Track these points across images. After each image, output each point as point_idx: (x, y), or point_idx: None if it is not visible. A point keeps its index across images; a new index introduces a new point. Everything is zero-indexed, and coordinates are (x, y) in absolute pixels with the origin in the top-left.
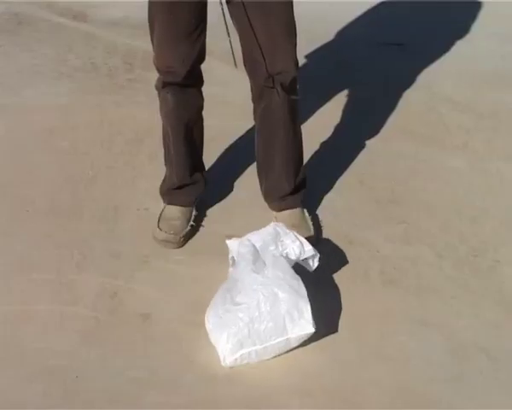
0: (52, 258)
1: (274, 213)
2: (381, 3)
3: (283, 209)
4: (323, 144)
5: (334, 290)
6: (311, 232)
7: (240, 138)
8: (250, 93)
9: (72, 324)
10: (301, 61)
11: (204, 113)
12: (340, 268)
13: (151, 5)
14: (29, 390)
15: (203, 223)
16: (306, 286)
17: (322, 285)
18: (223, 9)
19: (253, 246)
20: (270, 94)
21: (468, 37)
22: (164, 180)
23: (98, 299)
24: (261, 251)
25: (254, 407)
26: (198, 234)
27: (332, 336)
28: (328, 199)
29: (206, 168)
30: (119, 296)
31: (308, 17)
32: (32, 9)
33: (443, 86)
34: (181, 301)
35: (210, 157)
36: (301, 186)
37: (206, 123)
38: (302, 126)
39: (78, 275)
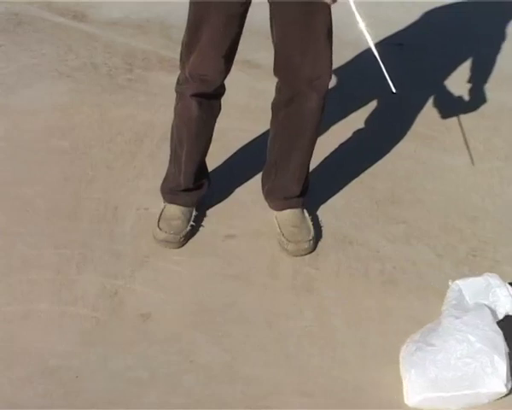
0: (52, 258)
1: (274, 212)
2: (381, 3)
3: (285, 209)
4: (323, 144)
5: (335, 290)
6: (311, 233)
7: (240, 138)
8: (250, 94)
9: (72, 324)
10: None
11: None
12: (340, 268)
13: (202, 5)
14: (29, 390)
15: (203, 223)
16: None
17: (322, 285)
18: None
19: (460, 291)
20: (303, 98)
21: (468, 37)
22: (166, 179)
23: (98, 299)
24: (468, 297)
25: (254, 407)
26: (198, 234)
27: (332, 336)
28: (328, 199)
29: (207, 167)
30: (119, 296)
31: None
32: (31, 9)
33: (443, 86)
34: (181, 301)
35: (210, 157)
36: (307, 189)
37: None
38: None
39: (78, 275)
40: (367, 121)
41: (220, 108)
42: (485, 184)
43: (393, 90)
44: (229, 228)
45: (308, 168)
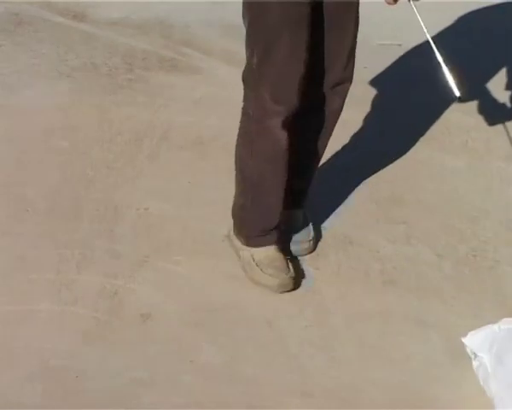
0: (52, 258)
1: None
2: (381, 3)
3: (285, 209)
4: None
5: (335, 290)
6: (311, 233)
7: None
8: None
9: (72, 324)
10: None
11: (204, 113)
12: (340, 268)
13: (275, 21)
14: (29, 390)
15: (203, 223)
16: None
17: (322, 285)
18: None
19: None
20: (325, 104)
21: (468, 36)
22: (246, 224)
23: (98, 299)
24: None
25: (254, 407)
26: (198, 234)
27: (332, 336)
28: (328, 199)
29: (207, 168)
30: (119, 296)
31: None
32: (32, 9)
33: (443, 86)
34: (181, 301)
35: (210, 157)
36: (307, 189)
37: (206, 123)
38: None
39: (78, 275)
40: (367, 121)
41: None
42: (485, 184)
43: (457, 95)
44: (229, 228)
45: (316, 168)
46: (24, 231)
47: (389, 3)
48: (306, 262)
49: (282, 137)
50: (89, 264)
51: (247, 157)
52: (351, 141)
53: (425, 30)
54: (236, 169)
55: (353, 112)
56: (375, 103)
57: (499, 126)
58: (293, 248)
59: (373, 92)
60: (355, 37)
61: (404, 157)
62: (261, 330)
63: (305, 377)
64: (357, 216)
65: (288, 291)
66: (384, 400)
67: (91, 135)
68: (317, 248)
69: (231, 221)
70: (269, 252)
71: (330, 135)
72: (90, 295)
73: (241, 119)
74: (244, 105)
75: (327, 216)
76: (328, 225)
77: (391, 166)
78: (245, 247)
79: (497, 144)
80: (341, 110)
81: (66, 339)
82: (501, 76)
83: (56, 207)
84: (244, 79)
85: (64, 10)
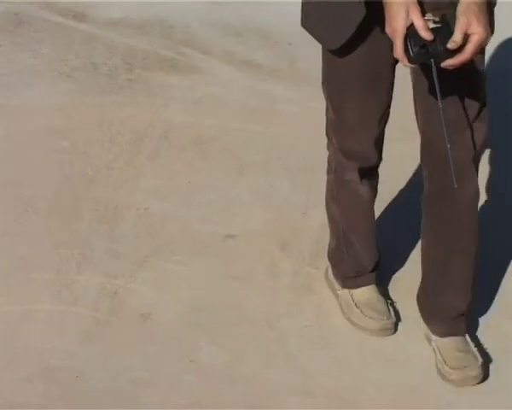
0: (52, 258)
1: (433, 336)
2: None
3: (447, 335)
4: (323, 144)
5: None
6: (479, 359)
7: (240, 138)
8: (250, 94)
9: (72, 324)
10: (301, 60)
11: (204, 113)
12: None
13: (343, 80)
14: (29, 390)
15: (203, 223)
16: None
17: (322, 285)
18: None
19: None
20: (467, 182)
21: None
22: (339, 263)
23: (98, 299)
24: None
25: (254, 407)
26: (198, 234)
27: (332, 335)
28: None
29: (207, 168)
30: (119, 296)
31: None
32: (32, 9)
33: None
34: (181, 301)
35: (210, 157)
36: (470, 306)
37: (206, 123)
38: (302, 128)
39: (78, 275)
40: None
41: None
42: (485, 183)
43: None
44: (229, 228)
45: (475, 276)
46: (24, 231)
47: (406, 66)
48: (306, 262)
49: (362, 190)
50: (89, 264)
51: (331, 202)
52: None
53: (439, 99)
54: (326, 210)
55: None
56: None
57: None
58: (459, 375)
59: None
60: (485, 91)
61: (403, 157)
62: (261, 330)
63: (305, 377)
64: None
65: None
66: (384, 400)
67: (91, 135)
68: (317, 248)
69: (231, 221)
70: (369, 293)
71: (474, 235)
72: (90, 295)
73: (327, 165)
74: (328, 153)
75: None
76: (327, 225)
77: (391, 166)
78: (343, 289)
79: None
80: (479, 196)
81: (66, 339)
82: None
83: (56, 207)
84: (325, 129)
85: (64, 10)
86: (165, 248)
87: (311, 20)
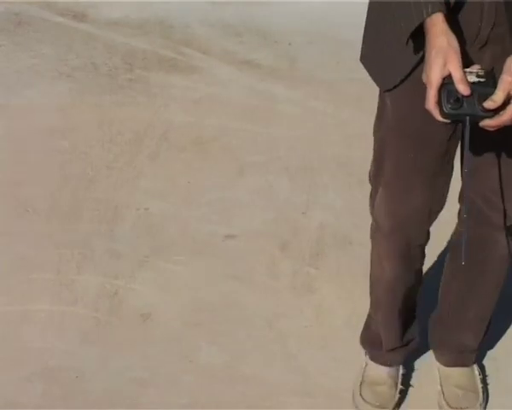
0: (52, 258)
1: (437, 363)
2: None
3: (453, 366)
4: (322, 144)
5: (334, 290)
6: (480, 398)
7: (240, 138)
8: (250, 94)
9: (72, 324)
10: (301, 60)
11: (204, 113)
12: (340, 268)
13: (383, 135)
14: (29, 390)
15: (203, 223)
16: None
17: (322, 285)
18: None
19: None
20: (493, 244)
21: None
22: (367, 327)
23: (98, 299)
24: None
25: (254, 406)
26: (198, 234)
27: (332, 335)
28: (328, 199)
29: (207, 168)
30: (119, 296)
31: (308, 17)
32: (32, 9)
33: None
34: (181, 301)
35: (210, 157)
36: (483, 343)
37: (206, 123)
38: (302, 128)
39: (78, 275)
40: (367, 122)
41: (424, 256)
42: None
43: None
44: (229, 228)
45: (490, 321)
46: (24, 231)
47: (439, 120)
48: (306, 262)
49: (387, 266)
50: (89, 264)
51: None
52: (351, 140)
53: (466, 162)
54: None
55: (353, 111)
56: (375, 104)
57: None
58: None
59: (373, 92)
60: None
61: None
62: (261, 330)
63: (305, 377)
64: (357, 216)
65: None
66: None
67: (91, 135)
68: (317, 248)
69: (231, 221)
70: (376, 370)
71: (497, 286)
72: (90, 295)
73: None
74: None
75: (327, 216)
76: (328, 225)
77: None
78: (364, 357)
79: None
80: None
81: (66, 339)
82: None
83: (56, 207)
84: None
85: (64, 10)
86: (165, 249)
87: (369, 57)
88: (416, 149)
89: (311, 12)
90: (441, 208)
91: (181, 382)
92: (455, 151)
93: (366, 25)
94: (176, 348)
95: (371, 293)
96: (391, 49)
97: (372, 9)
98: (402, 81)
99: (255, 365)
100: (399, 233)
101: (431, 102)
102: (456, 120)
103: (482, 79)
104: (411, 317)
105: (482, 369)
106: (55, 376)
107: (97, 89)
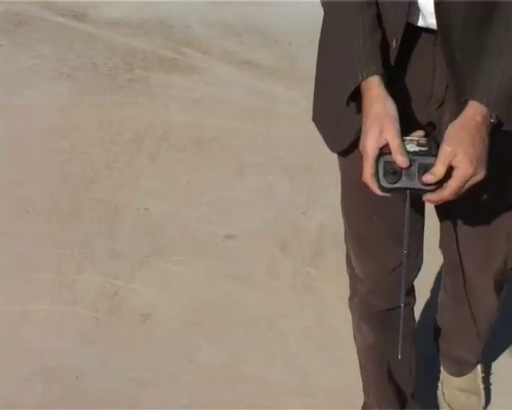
0: (52, 258)
1: (442, 367)
2: None
3: (457, 376)
4: (323, 144)
5: (335, 290)
6: (482, 401)
7: (240, 138)
8: (250, 94)
9: (72, 324)
10: (301, 60)
11: (204, 113)
12: (340, 268)
13: (344, 201)
14: (29, 390)
15: (203, 223)
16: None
17: (322, 285)
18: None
19: None
20: (484, 298)
21: None
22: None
23: (98, 299)
24: None
25: (254, 406)
26: (198, 234)
27: (332, 336)
28: (328, 199)
29: (207, 168)
30: (119, 296)
31: (308, 17)
32: (32, 9)
33: None
34: (181, 301)
35: (210, 157)
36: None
37: (206, 123)
38: (302, 128)
39: (78, 275)
40: None
41: (413, 320)
42: None
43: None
44: (229, 228)
45: (487, 337)
46: (24, 231)
47: (377, 194)
48: (306, 262)
49: (367, 333)
50: (89, 264)
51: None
52: None
53: (405, 240)
54: None
55: None
56: None
57: None
58: None
59: None
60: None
61: None
62: (261, 330)
63: (305, 377)
64: None
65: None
66: None
67: (91, 135)
68: (317, 248)
69: (231, 221)
70: None
71: (492, 309)
72: (90, 295)
73: None
74: None
75: (327, 216)
76: (328, 225)
77: None
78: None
79: None
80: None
81: (66, 339)
82: None
83: (56, 207)
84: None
85: (64, 10)
86: (165, 249)
87: (319, 118)
88: (377, 211)
89: (311, 12)
90: (419, 265)
91: (181, 382)
92: (421, 198)
93: (315, 82)
94: (176, 348)
95: (360, 369)
96: (338, 110)
97: (318, 67)
98: (352, 144)
99: (255, 365)
100: (375, 295)
101: (366, 175)
102: (397, 192)
103: (424, 148)
104: (408, 396)
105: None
106: (55, 376)
107: (97, 89)
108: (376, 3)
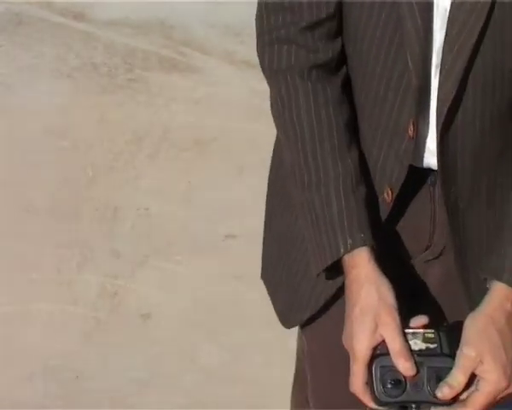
0: (52, 258)
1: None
2: None
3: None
4: None
5: None
6: None
7: (240, 138)
8: (250, 94)
9: (72, 324)
10: None
11: (204, 113)
12: None
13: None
14: (29, 390)
15: (203, 223)
16: None
17: None
18: None
19: None
20: None
21: None
22: None
23: (98, 299)
24: None
25: (254, 406)
26: (198, 234)
27: None
28: None
29: (207, 168)
30: (119, 296)
31: None
32: (32, 9)
33: None
34: (181, 301)
35: (210, 157)
36: None
37: (206, 123)
38: None
39: (78, 275)
40: None
41: None
42: None
43: None
44: (229, 228)
45: None
46: (24, 231)
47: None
48: None
49: None
50: (89, 264)
51: None
52: None
53: None
54: None
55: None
56: None
57: None
58: None
59: None
60: None
61: None
62: (261, 330)
63: None
64: None
65: None
66: None
67: (91, 135)
68: None
69: (231, 221)
70: None
71: None
72: (90, 295)
73: None
74: None
75: None
76: None
77: None
78: None
79: None
80: None
81: (66, 339)
82: None
83: (56, 207)
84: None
85: (64, 10)
86: (165, 249)
87: (270, 277)
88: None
89: None
90: None
91: (181, 382)
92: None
93: (264, 226)
94: (176, 348)
95: None
96: (296, 273)
97: (270, 209)
98: (311, 318)
99: (255, 365)
100: None
101: (356, 385)
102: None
103: (432, 345)
104: None
105: None
106: (55, 376)
107: (97, 89)
108: (358, 142)
